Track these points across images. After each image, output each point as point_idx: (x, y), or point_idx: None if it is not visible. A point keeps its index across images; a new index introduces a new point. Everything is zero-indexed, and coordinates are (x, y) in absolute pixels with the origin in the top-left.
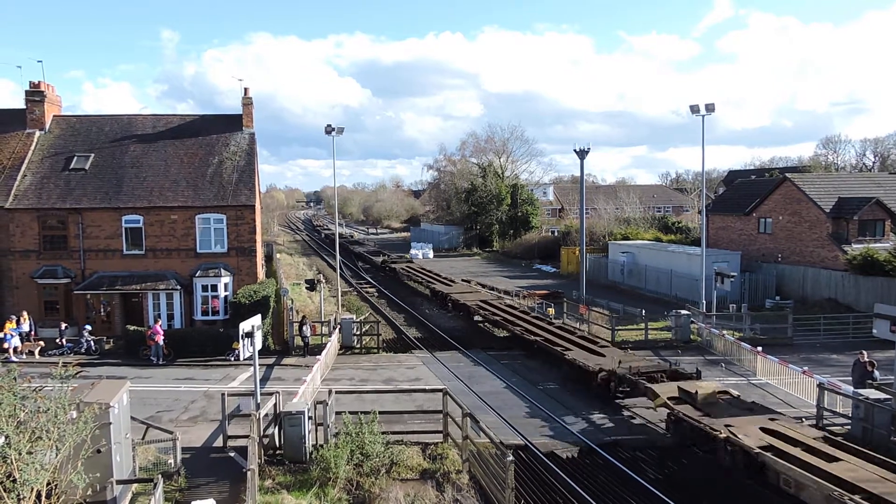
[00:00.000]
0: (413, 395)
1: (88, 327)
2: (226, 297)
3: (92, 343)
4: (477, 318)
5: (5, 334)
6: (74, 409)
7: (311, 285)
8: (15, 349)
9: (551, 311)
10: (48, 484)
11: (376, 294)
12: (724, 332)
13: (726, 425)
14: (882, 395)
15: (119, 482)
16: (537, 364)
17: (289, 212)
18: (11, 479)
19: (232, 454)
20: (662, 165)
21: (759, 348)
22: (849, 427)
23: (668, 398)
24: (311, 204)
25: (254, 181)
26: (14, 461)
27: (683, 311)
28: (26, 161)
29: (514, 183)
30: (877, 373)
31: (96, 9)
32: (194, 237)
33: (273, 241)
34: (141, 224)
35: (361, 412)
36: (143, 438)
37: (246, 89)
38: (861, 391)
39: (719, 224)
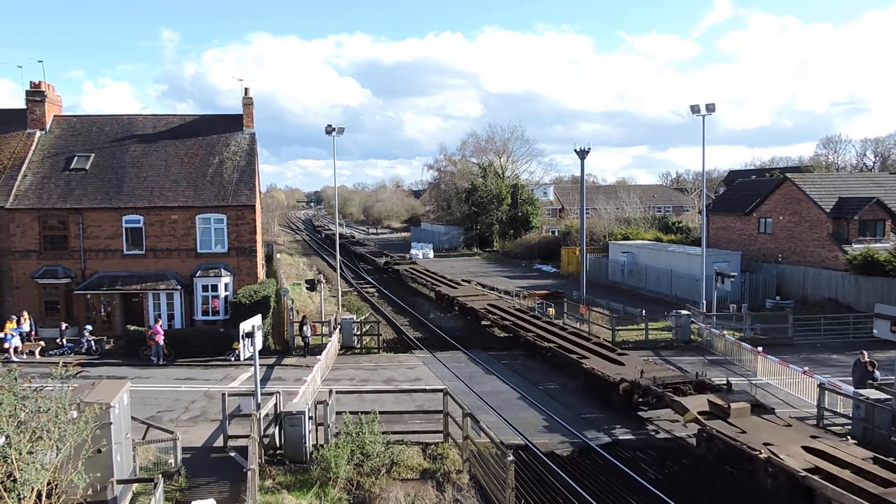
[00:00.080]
0: (413, 395)
1: (89, 327)
2: (226, 297)
3: (92, 343)
4: (485, 322)
5: (6, 334)
6: (75, 409)
7: (312, 285)
8: (15, 349)
9: (551, 311)
10: (49, 484)
11: (376, 294)
12: (725, 332)
13: (765, 444)
14: (882, 396)
15: (119, 482)
16: (537, 364)
17: (289, 212)
18: (12, 478)
19: (232, 454)
20: (662, 165)
21: (760, 348)
22: (849, 427)
23: (699, 412)
24: (312, 204)
25: (254, 181)
26: (15, 461)
27: (684, 312)
28: (27, 161)
29: (515, 183)
30: (877, 373)
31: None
32: (195, 237)
33: (273, 241)
34: (141, 224)
35: (362, 412)
36: (143, 438)
37: (246, 89)
38: (861, 391)
39: (719, 224)
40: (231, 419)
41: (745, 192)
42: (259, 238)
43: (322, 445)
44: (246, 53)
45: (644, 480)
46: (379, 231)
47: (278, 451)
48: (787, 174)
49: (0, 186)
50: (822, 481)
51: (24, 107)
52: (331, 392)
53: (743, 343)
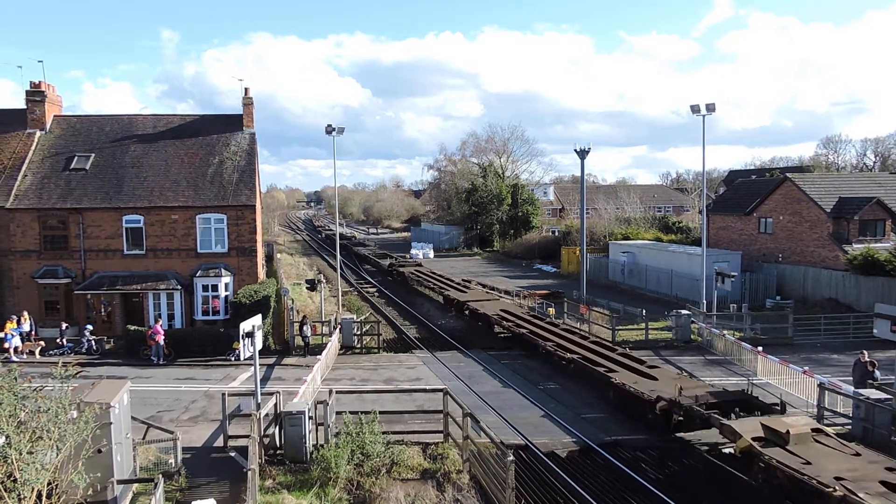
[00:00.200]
0: (413, 395)
1: (90, 327)
2: (226, 296)
3: (93, 343)
4: (498, 329)
5: (6, 334)
6: (75, 408)
7: (312, 285)
8: (15, 349)
9: (552, 311)
10: (49, 484)
11: (377, 294)
12: (725, 331)
13: (837, 478)
14: (883, 395)
15: (120, 482)
16: (537, 364)
17: (289, 212)
18: (12, 478)
19: (232, 454)
20: (663, 165)
21: (760, 348)
22: (849, 427)
23: (753, 438)
24: (312, 204)
25: (254, 181)
26: (15, 461)
27: (684, 311)
28: (27, 161)
29: (515, 183)
30: (877, 373)
31: (96, 9)
32: (195, 237)
33: (273, 241)
34: (141, 224)
35: (362, 412)
36: (143, 438)
37: (246, 89)
38: (862, 391)
39: (720, 224)
40: (231, 419)
41: (745, 191)
42: (259, 238)
43: (322, 445)
44: (246, 53)
45: (644, 480)
46: (379, 231)
47: (278, 451)
48: (788, 174)
49: (0, 186)
50: None
51: (24, 107)
52: (331, 392)
53: (743, 343)
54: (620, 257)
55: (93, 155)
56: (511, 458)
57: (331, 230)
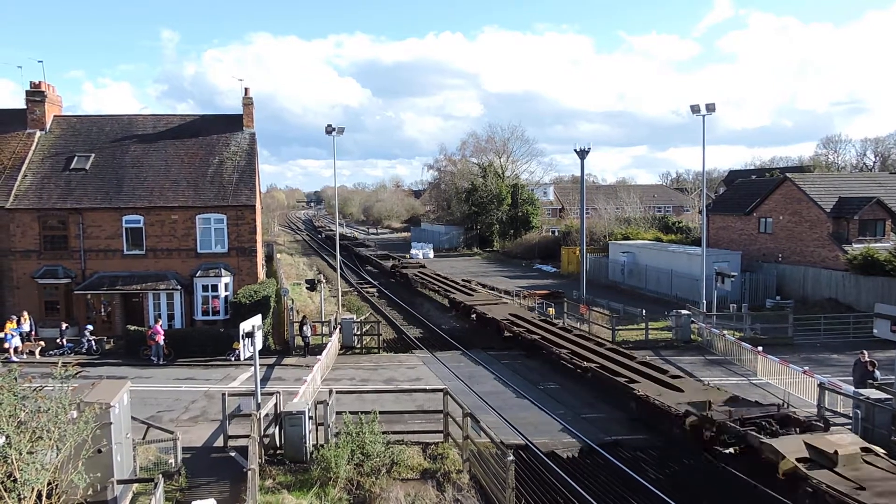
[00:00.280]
0: (413, 395)
1: (90, 327)
2: (226, 297)
3: (93, 343)
4: (508, 335)
5: (6, 334)
6: (75, 408)
7: (312, 285)
8: (15, 349)
9: (552, 311)
10: (49, 484)
11: (376, 294)
12: (725, 331)
13: None
14: (883, 395)
15: (120, 482)
16: (537, 364)
17: (289, 212)
18: (12, 478)
19: (232, 454)
20: (662, 165)
21: (760, 348)
22: (849, 427)
23: (797, 459)
24: (312, 204)
25: (254, 181)
26: (15, 461)
27: (684, 311)
28: (27, 161)
29: (515, 183)
30: (877, 373)
31: (96, 9)
32: (195, 237)
33: (273, 242)
34: (141, 224)
35: (362, 412)
36: (143, 438)
37: (246, 89)
38: (862, 391)
39: (720, 224)
40: (231, 419)
41: (745, 191)
42: (259, 238)
43: (322, 445)
44: (246, 53)
45: (645, 480)
46: (379, 231)
47: (278, 451)
48: (788, 174)
49: (0, 186)
50: None
51: (24, 107)
52: (331, 392)
53: (743, 343)
54: (620, 257)
55: (93, 155)
56: (511, 457)
57: (331, 230)
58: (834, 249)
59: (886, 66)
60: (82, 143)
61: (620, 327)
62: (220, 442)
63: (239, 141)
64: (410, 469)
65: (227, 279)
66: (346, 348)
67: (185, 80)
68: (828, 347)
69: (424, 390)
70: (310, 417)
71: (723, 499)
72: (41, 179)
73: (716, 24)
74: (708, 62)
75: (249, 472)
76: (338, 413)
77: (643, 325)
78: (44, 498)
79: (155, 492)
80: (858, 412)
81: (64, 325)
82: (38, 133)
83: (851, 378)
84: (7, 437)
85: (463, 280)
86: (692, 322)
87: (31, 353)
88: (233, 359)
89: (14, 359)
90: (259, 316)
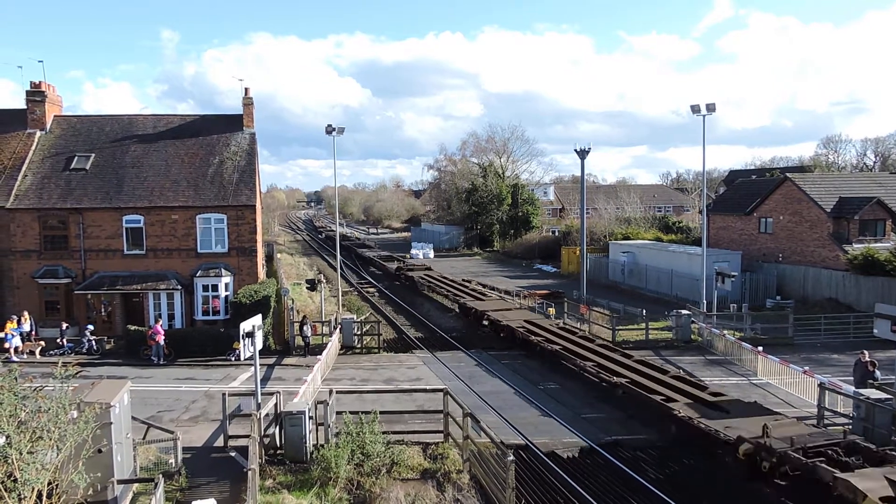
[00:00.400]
0: (414, 395)
1: (90, 327)
2: (226, 296)
3: (93, 343)
4: (541, 351)
5: (6, 334)
6: (75, 408)
7: (312, 285)
8: (16, 349)
9: (552, 311)
10: (49, 484)
11: (377, 294)
12: (725, 331)
13: None
14: (883, 395)
15: (120, 482)
16: (537, 364)
17: (289, 212)
18: (12, 478)
19: (233, 454)
20: (663, 165)
21: (760, 348)
22: (850, 427)
23: (881, 498)
24: (312, 204)
25: (254, 181)
26: (15, 461)
27: (684, 311)
28: (27, 161)
29: (515, 183)
30: (878, 373)
31: (96, 9)
32: (195, 237)
33: (274, 241)
34: (142, 224)
35: (362, 412)
36: (143, 438)
37: (246, 89)
38: (862, 391)
39: (720, 224)
40: (231, 419)
41: (745, 191)
42: (259, 238)
43: (322, 445)
44: (246, 53)
45: (645, 480)
46: (379, 231)
47: (279, 451)
48: (788, 174)
49: (0, 186)
50: None
51: (25, 107)
52: (331, 392)
53: (743, 343)
54: (620, 257)
55: (93, 155)
56: (511, 457)
57: (331, 230)
58: (834, 249)
59: (886, 66)
60: (82, 143)
61: (621, 327)
62: (220, 442)
63: (239, 141)
64: (410, 469)
65: (227, 279)
66: (347, 348)
67: (185, 80)
68: (828, 347)
69: (425, 390)
70: (310, 417)
71: (723, 499)
72: (41, 179)
73: (716, 24)
74: (708, 62)
75: (249, 472)
76: (338, 413)
77: (643, 325)
78: (44, 498)
79: (155, 492)
80: (858, 412)
81: (64, 325)
82: (39, 133)
83: (852, 378)
84: (7, 436)
85: (473, 283)
86: (692, 322)
87: (32, 353)
88: (233, 359)
89: (14, 359)
90: (259, 316)
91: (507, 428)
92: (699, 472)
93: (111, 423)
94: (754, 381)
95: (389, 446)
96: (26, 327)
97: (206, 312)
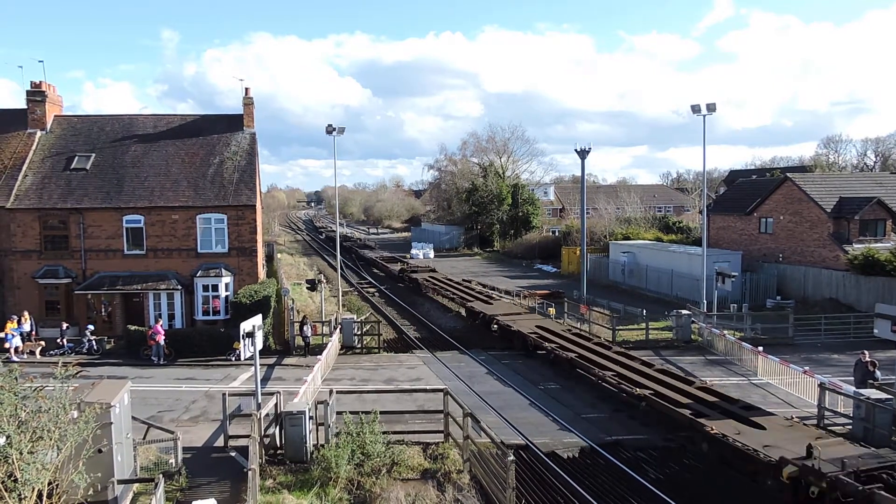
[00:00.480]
0: (414, 395)
1: (91, 327)
2: (227, 296)
3: (93, 343)
4: (542, 353)
5: (6, 334)
6: (76, 408)
7: (312, 285)
8: (16, 349)
9: (552, 311)
10: (49, 483)
11: (377, 294)
12: (725, 331)
13: None
14: (883, 395)
15: (120, 482)
16: (537, 364)
17: (290, 212)
18: (13, 478)
19: (233, 454)
20: (663, 165)
21: (760, 348)
22: (850, 427)
23: None
24: (312, 204)
25: (255, 181)
26: (15, 461)
27: (684, 311)
28: (27, 161)
29: (515, 183)
30: (878, 373)
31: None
32: (195, 237)
33: (274, 241)
34: (142, 224)
35: (362, 412)
36: (144, 438)
37: (247, 89)
38: (862, 391)
39: (720, 224)
40: (231, 419)
41: (745, 191)
42: (259, 238)
43: (323, 445)
44: (246, 53)
45: (645, 480)
46: (379, 231)
47: (279, 451)
48: (788, 174)
49: (1, 186)
50: None
51: (25, 107)
52: (331, 392)
53: (743, 343)
54: (621, 257)
55: (93, 155)
56: (511, 458)
57: (332, 231)
58: (834, 249)
59: (887, 66)
60: (83, 142)
61: (621, 327)
62: (220, 442)
63: (239, 141)
64: (411, 469)
65: (227, 279)
66: (347, 348)
67: (186, 80)
68: (828, 347)
69: (425, 390)
70: (310, 417)
71: (723, 499)
72: (42, 179)
73: (716, 23)
74: (708, 62)
75: (250, 472)
76: (338, 413)
77: (644, 325)
78: (44, 497)
79: (155, 492)
80: (858, 412)
81: (64, 325)
82: (39, 133)
83: (853, 378)
84: (8, 436)
85: (473, 283)
86: (693, 322)
87: (32, 352)
88: (233, 359)
89: (15, 359)
90: (259, 316)
91: (507, 428)
92: (700, 473)
93: (111, 423)
94: (754, 381)
95: (390, 446)
96: (27, 327)
97: (206, 312)
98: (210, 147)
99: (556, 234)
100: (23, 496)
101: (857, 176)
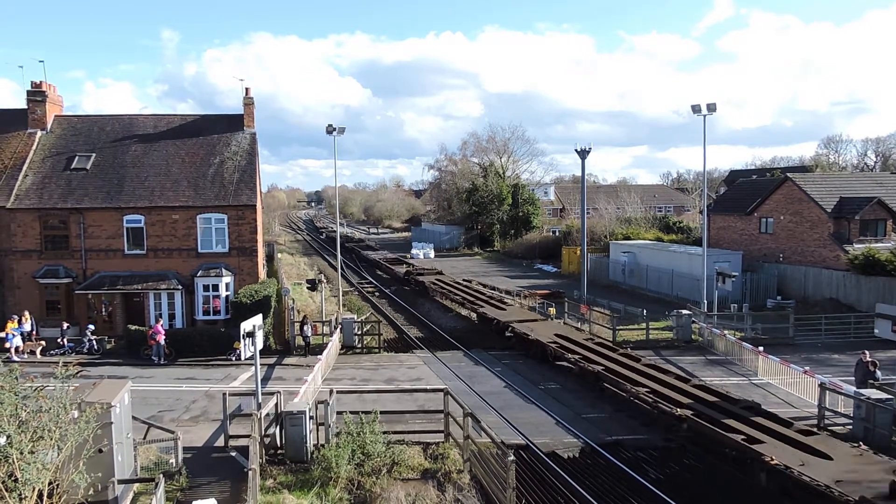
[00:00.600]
0: (414, 395)
1: (91, 327)
2: (227, 296)
3: (94, 343)
4: (565, 364)
5: (7, 334)
6: (76, 408)
7: (313, 285)
8: (17, 349)
9: (552, 310)
10: (50, 483)
11: (377, 293)
12: (726, 331)
13: None
14: (884, 396)
15: (121, 482)
16: (538, 364)
17: (290, 212)
18: (13, 478)
19: (233, 454)
20: (663, 165)
21: (761, 348)
22: (850, 427)
23: None
24: (313, 204)
25: (255, 181)
26: (16, 460)
27: (685, 311)
28: (28, 161)
29: (516, 183)
30: (879, 373)
31: (96, 9)
32: (195, 237)
33: (274, 241)
34: (142, 224)
35: (363, 412)
36: (144, 438)
37: (247, 89)
38: (863, 391)
39: (721, 224)
40: (232, 419)
41: (746, 191)
42: (260, 238)
43: (323, 445)
44: (246, 53)
45: (645, 480)
46: (380, 231)
47: (279, 451)
48: (788, 174)
49: (1, 186)
50: None
51: (26, 107)
52: (332, 392)
53: (744, 343)
54: (621, 257)
55: (94, 155)
56: (512, 457)
57: (332, 231)
58: (835, 249)
59: (887, 66)
60: (83, 142)
61: (621, 327)
62: (220, 442)
63: (239, 141)
64: (411, 469)
65: (227, 279)
66: (347, 348)
67: (186, 80)
68: (829, 347)
69: (425, 390)
70: (310, 417)
71: (723, 499)
72: (42, 179)
73: (716, 23)
74: (709, 62)
75: (250, 472)
76: (338, 413)
77: (644, 326)
78: (45, 497)
79: (156, 491)
80: (859, 412)
81: (65, 325)
82: (39, 133)
83: (853, 378)
84: (8, 436)
85: (473, 283)
86: (693, 322)
87: (32, 352)
88: (233, 358)
89: (15, 358)
90: (260, 316)
91: (507, 428)
92: (700, 472)
93: (112, 422)
94: (755, 381)
95: (390, 446)
96: (27, 327)
97: (206, 312)
98: (210, 147)
99: (557, 234)
100: (23, 496)
101: (858, 176)
